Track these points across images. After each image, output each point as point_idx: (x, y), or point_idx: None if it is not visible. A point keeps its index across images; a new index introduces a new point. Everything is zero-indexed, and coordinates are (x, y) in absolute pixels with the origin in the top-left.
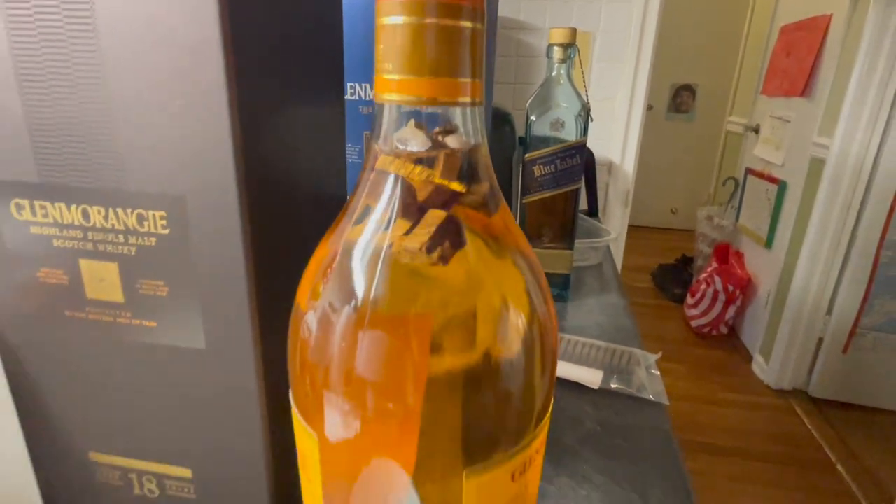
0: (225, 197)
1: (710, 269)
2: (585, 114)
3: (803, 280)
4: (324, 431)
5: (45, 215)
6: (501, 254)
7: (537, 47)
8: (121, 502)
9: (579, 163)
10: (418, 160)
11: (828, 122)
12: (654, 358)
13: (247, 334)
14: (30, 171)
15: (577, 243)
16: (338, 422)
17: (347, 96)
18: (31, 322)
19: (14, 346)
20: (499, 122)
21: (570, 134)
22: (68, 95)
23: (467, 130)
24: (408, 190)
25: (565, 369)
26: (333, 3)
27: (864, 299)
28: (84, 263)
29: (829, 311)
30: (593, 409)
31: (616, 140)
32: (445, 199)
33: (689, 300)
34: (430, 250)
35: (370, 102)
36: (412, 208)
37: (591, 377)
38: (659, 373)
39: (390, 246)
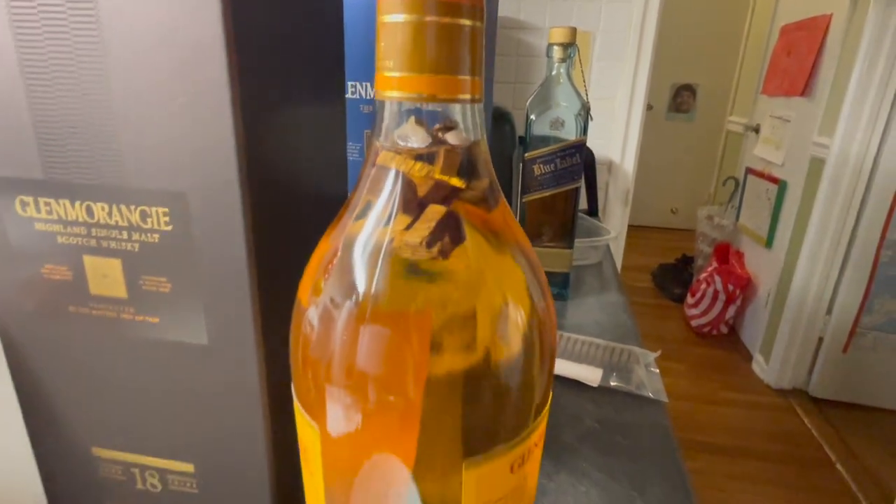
0: (227, 194)
1: (710, 269)
2: (585, 113)
3: (803, 279)
4: (325, 423)
5: (50, 212)
6: (501, 249)
7: (537, 47)
8: (123, 497)
9: (579, 162)
10: (419, 156)
11: (828, 121)
12: (653, 356)
13: (249, 330)
14: (34, 169)
15: (577, 242)
16: (339, 415)
17: (348, 95)
18: (35, 318)
19: (18, 341)
20: (499, 121)
21: (569, 133)
22: (72, 93)
23: (467, 127)
24: (408, 186)
25: (565, 367)
26: (334, 2)
27: (864, 299)
28: (88, 259)
29: (829, 311)
30: (593, 406)
31: (616, 139)
32: (445, 194)
33: (690, 300)
34: (430, 245)
35: (371, 101)
36: (413, 204)
37: (590, 375)
38: (658, 370)
39: (391, 241)
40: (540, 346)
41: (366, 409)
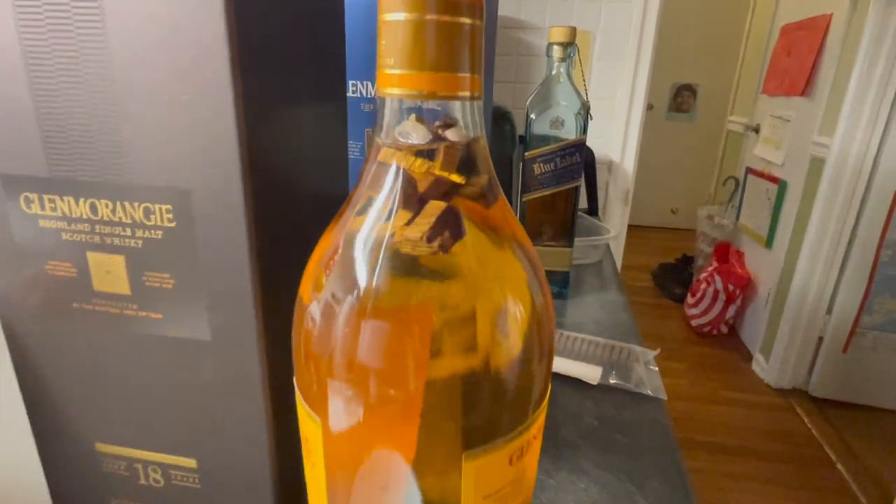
0: (230, 191)
1: (710, 269)
2: (585, 112)
3: (803, 279)
4: (327, 416)
5: (54, 209)
6: (500, 244)
7: (537, 46)
8: (127, 492)
9: (579, 161)
10: (419, 152)
11: (828, 121)
12: (652, 354)
13: (251, 326)
14: (39, 166)
15: (577, 241)
16: (341, 408)
17: (349, 94)
18: (40, 314)
19: (22, 337)
20: (499, 120)
21: (569, 132)
22: (77, 91)
23: (466, 124)
24: (409, 181)
25: (565, 365)
26: (336, 1)
27: (864, 298)
28: (91, 256)
29: (830, 311)
30: (592, 404)
31: (616, 139)
32: (445, 190)
33: (690, 299)
34: (430, 240)
35: (371, 100)
36: (413, 199)
37: (590, 373)
38: (657, 368)
39: (392, 236)
40: (539, 340)
41: (367, 403)
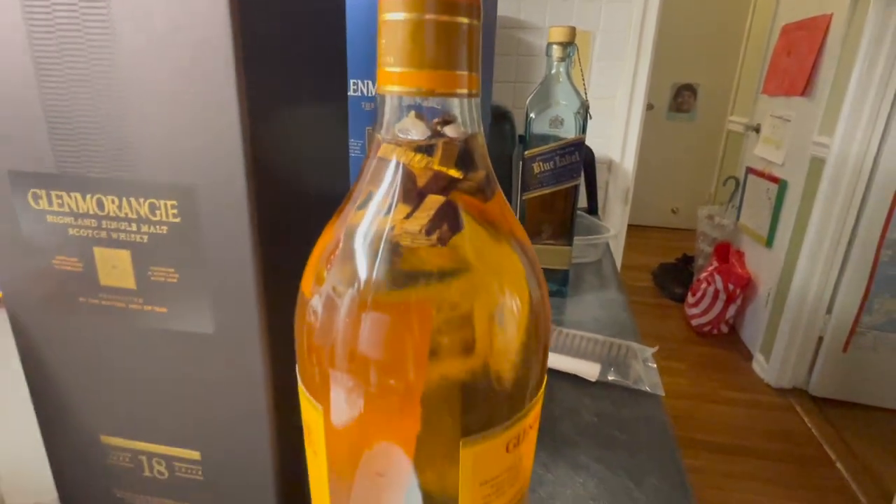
0: (234, 187)
1: (710, 268)
2: (584, 111)
3: (803, 279)
4: (329, 405)
5: (62, 205)
6: (497, 237)
7: (537, 46)
8: (131, 484)
9: (578, 160)
10: (418, 148)
11: (828, 121)
12: (650, 351)
13: (254, 319)
14: (47, 163)
15: (577, 240)
16: (343, 398)
17: (350, 92)
18: (46, 308)
19: (29, 331)
20: (499, 119)
21: (569, 131)
22: (84, 89)
23: (465, 120)
24: (408, 176)
25: (563, 362)
26: (337, 2)
27: (864, 298)
28: (98, 251)
29: (830, 310)
30: (591, 400)
31: (616, 138)
32: (444, 184)
33: (690, 299)
34: (429, 233)
35: (372, 98)
36: (412, 193)
37: (588, 370)
38: (655, 365)
39: (392, 229)
40: (536, 331)
41: (368, 393)
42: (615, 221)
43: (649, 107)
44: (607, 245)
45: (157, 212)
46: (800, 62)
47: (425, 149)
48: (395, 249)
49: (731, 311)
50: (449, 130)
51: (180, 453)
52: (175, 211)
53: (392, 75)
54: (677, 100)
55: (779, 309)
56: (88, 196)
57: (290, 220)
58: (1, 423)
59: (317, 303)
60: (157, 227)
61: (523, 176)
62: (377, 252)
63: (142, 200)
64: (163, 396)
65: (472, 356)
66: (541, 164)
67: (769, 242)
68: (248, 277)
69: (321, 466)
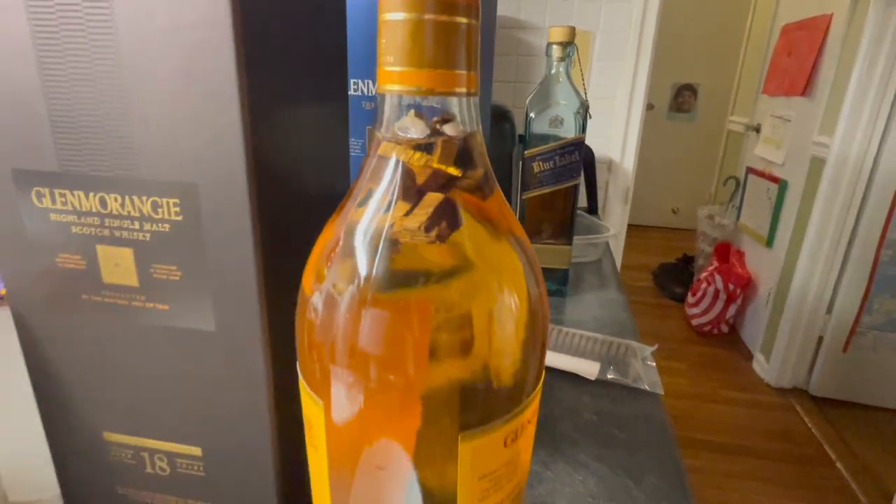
0: (235, 185)
1: (710, 268)
2: (584, 111)
3: (804, 279)
4: (329, 400)
5: (65, 203)
6: (496, 234)
7: (537, 46)
8: (133, 480)
9: (578, 159)
10: (418, 146)
11: (828, 121)
12: (649, 350)
13: (255, 316)
14: (50, 161)
15: (577, 240)
16: (343, 393)
17: (351, 92)
18: (50, 305)
19: (32, 328)
20: (499, 119)
21: (568, 131)
22: (87, 89)
23: (463, 119)
24: (408, 174)
25: (563, 361)
26: (337, 2)
27: (865, 298)
28: (101, 249)
29: (830, 310)
30: (590, 399)
31: (616, 138)
32: (443, 182)
33: (690, 299)
34: (428, 229)
35: (372, 98)
36: (412, 191)
37: (588, 368)
38: (654, 364)
39: (391, 226)
40: (534, 326)
41: (368, 388)
42: (615, 221)
43: (650, 107)
44: (607, 244)
45: (160, 210)
46: (800, 62)
47: (424, 147)
48: (395, 246)
49: (732, 310)
50: (448, 129)
51: (182, 449)
52: (177, 209)
53: (392, 74)
54: (678, 100)
55: (779, 309)
56: (91, 194)
57: (290, 218)
58: (4, 420)
59: (317, 300)
60: (160, 225)
61: (523, 175)
62: (377, 249)
63: (144, 199)
64: (165, 393)
65: (471, 352)
66: (540, 163)
67: (769, 242)
68: (250, 275)
69: (322, 461)
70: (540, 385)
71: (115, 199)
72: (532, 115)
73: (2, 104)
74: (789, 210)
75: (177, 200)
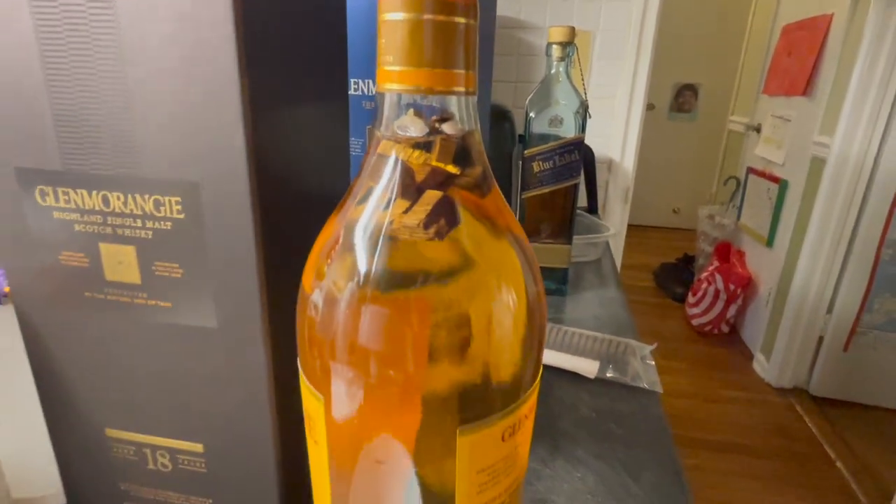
0: (237, 183)
1: (711, 268)
2: (583, 111)
3: (804, 278)
4: (330, 396)
5: (68, 201)
6: (494, 231)
7: (537, 46)
8: (135, 476)
9: (577, 159)
10: (417, 145)
11: (828, 121)
12: (648, 348)
13: (256, 314)
14: (54, 160)
15: (577, 239)
16: (344, 389)
17: (351, 91)
18: (53, 303)
19: (36, 325)
20: (499, 119)
21: (568, 131)
22: (90, 87)
23: (462, 118)
24: (407, 172)
25: (562, 359)
26: (338, 2)
27: (865, 298)
28: (103, 247)
29: (830, 310)
30: (589, 397)
31: (616, 138)
32: (441, 180)
33: (691, 299)
34: (427, 227)
35: (372, 98)
36: (411, 189)
37: (587, 367)
38: (653, 362)
39: (390, 223)
40: (531, 322)
41: (368, 384)
42: (615, 221)
43: (650, 107)
44: (607, 244)
45: (162, 208)
46: (800, 62)
47: (423, 145)
48: (394, 243)
49: (732, 310)
50: (447, 127)
51: (184, 446)
52: (179, 207)
53: (391, 74)
54: (678, 100)
55: (779, 308)
56: (94, 192)
57: (291, 216)
58: (7, 417)
59: (317, 297)
60: (162, 223)
61: (523, 175)
62: (376, 246)
63: (146, 197)
64: (167, 390)
65: (470, 348)
66: (540, 163)
67: (770, 242)
68: (251, 272)
69: (322, 455)
70: (537, 381)
71: (118, 198)
72: (532, 114)
73: (5, 103)
74: (790, 210)
75: (178, 199)
